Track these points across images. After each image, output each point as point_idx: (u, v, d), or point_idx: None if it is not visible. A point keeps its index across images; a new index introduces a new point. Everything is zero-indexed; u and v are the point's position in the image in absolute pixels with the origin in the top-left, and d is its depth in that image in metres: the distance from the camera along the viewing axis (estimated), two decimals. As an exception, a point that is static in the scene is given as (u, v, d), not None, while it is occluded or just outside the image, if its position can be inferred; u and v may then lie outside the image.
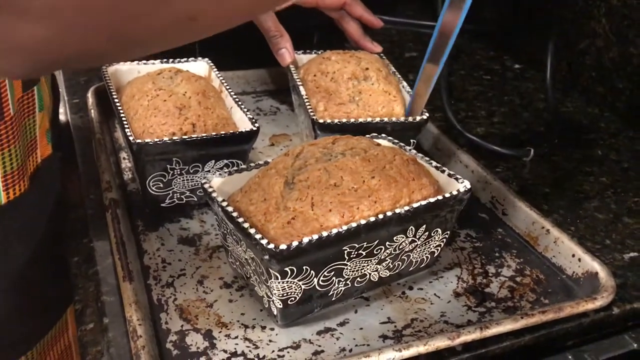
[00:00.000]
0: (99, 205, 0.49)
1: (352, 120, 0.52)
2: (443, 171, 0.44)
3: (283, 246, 0.35)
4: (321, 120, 0.51)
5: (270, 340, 0.39)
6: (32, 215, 0.48)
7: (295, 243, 0.35)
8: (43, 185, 0.49)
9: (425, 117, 0.53)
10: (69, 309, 0.55)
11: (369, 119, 0.52)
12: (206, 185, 0.41)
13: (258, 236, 0.36)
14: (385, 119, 0.52)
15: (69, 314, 0.56)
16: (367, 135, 0.48)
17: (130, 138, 0.46)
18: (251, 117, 0.51)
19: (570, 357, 0.41)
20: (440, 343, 0.37)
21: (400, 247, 0.41)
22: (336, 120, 0.52)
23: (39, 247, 0.49)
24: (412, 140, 0.54)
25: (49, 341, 0.54)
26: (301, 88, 0.56)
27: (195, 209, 0.51)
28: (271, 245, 0.35)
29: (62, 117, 0.66)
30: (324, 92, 0.56)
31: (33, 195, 0.47)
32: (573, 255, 0.45)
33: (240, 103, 0.53)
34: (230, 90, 0.55)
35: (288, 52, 0.60)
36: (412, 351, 0.36)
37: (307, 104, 0.54)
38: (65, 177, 0.55)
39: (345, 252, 0.38)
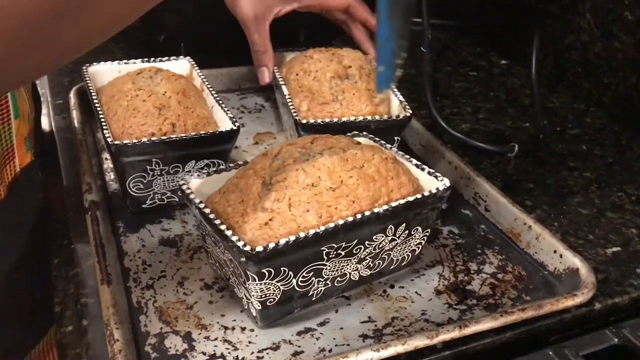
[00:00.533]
0: (80, 207, 0.49)
1: (335, 119, 0.52)
2: (423, 169, 0.44)
3: (259, 248, 0.35)
4: (304, 121, 0.51)
5: (249, 342, 0.39)
6: (12, 225, 0.48)
7: (271, 245, 0.35)
8: (22, 194, 0.48)
9: (408, 114, 0.53)
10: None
11: (352, 118, 0.52)
12: (184, 187, 0.41)
13: (234, 238, 0.36)
14: (369, 118, 0.52)
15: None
16: (348, 134, 0.48)
17: (109, 139, 0.46)
18: (232, 116, 0.50)
19: (550, 352, 0.41)
20: (419, 342, 0.37)
21: (380, 246, 0.41)
22: (319, 120, 0.52)
23: (23, 256, 0.49)
24: (396, 138, 0.54)
25: (37, 356, 0.53)
26: (284, 87, 0.56)
27: (177, 209, 0.51)
28: (247, 248, 0.35)
29: (45, 119, 0.65)
30: (306, 91, 0.56)
31: (11, 204, 0.47)
32: (555, 252, 0.45)
33: (221, 102, 0.53)
34: (211, 89, 0.55)
35: (268, 71, 0.60)
36: (391, 351, 0.36)
37: (290, 104, 0.54)
38: (48, 180, 0.54)
39: (324, 252, 0.38)
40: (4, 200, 0.46)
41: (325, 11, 0.65)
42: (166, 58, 0.59)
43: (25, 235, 0.49)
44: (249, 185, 0.39)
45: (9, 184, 0.46)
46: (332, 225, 0.37)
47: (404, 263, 0.44)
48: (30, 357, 0.53)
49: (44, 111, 0.65)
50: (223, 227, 0.37)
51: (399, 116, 0.53)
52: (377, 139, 0.48)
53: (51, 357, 0.55)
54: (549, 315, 0.42)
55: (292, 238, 0.36)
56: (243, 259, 0.35)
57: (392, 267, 0.44)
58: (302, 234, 0.36)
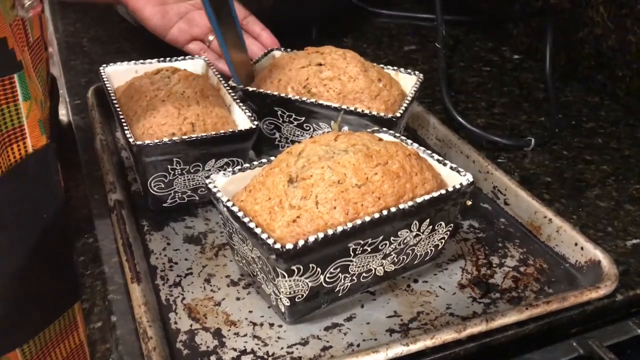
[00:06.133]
0: (103, 205, 0.50)
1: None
2: (445, 164, 0.45)
3: (289, 245, 0.35)
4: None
5: (278, 337, 0.40)
6: (20, 206, 0.47)
7: (301, 242, 0.36)
8: (35, 174, 0.48)
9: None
10: (78, 306, 0.55)
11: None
12: (211, 185, 0.41)
13: (264, 236, 0.36)
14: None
15: (78, 313, 0.56)
16: (369, 130, 0.48)
17: (130, 140, 0.46)
18: (250, 114, 0.51)
19: (574, 344, 0.41)
20: (447, 336, 0.38)
21: (405, 241, 0.41)
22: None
23: (36, 238, 0.49)
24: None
25: (52, 337, 0.54)
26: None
27: (199, 207, 0.51)
28: (277, 245, 0.35)
29: (64, 119, 0.66)
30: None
31: (18, 183, 0.47)
32: (576, 244, 0.46)
33: (238, 101, 0.53)
34: (227, 87, 0.55)
35: None
36: (420, 345, 0.37)
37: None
38: (69, 178, 0.55)
39: (351, 248, 0.39)
40: (5, 178, 0.46)
41: None
42: (182, 57, 0.60)
43: (38, 220, 0.49)
44: (275, 183, 0.40)
45: (15, 163, 0.46)
46: (359, 221, 0.37)
47: (427, 258, 0.45)
48: (45, 337, 0.53)
49: (62, 111, 0.66)
50: (252, 224, 0.37)
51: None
52: (397, 135, 0.48)
53: (70, 342, 0.56)
54: (571, 307, 0.42)
55: (321, 235, 0.36)
56: (273, 256, 0.36)
57: (415, 262, 0.44)
58: (330, 231, 0.36)
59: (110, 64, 0.57)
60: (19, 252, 0.48)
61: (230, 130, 0.50)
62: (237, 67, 0.54)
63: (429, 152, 0.46)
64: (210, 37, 0.67)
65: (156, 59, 0.58)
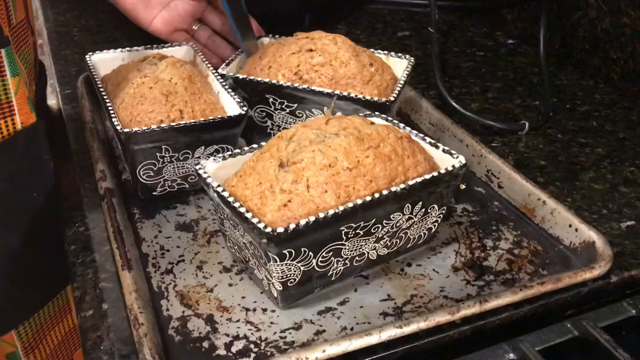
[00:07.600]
0: (94, 193, 0.49)
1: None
2: (437, 147, 0.44)
3: (280, 229, 0.35)
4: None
5: (271, 322, 0.39)
6: (10, 182, 0.47)
7: (292, 225, 0.35)
8: (25, 151, 0.47)
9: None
10: (70, 288, 0.55)
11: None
12: (201, 171, 0.41)
13: (255, 220, 0.36)
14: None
15: (71, 295, 0.56)
16: (360, 114, 0.48)
17: (118, 127, 0.46)
18: (239, 100, 0.50)
19: (568, 325, 0.41)
20: (440, 318, 0.37)
21: (398, 224, 0.41)
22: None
23: (27, 216, 0.49)
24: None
25: (47, 319, 0.54)
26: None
27: (191, 194, 0.51)
28: (268, 229, 0.35)
29: (55, 108, 0.65)
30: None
31: (9, 156, 0.46)
32: (570, 226, 0.45)
33: (227, 87, 0.52)
34: (216, 74, 0.54)
35: None
36: (413, 327, 0.37)
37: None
38: (60, 167, 0.54)
39: (343, 232, 0.38)
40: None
41: None
42: (169, 45, 0.59)
43: (29, 198, 0.49)
44: (266, 168, 0.40)
45: (3, 139, 0.46)
46: (350, 205, 0.37)
47: (420, 241, 0.44)
48: (40, 319, 0.53)
49: (53, 101, 0.65)
50: (242, 209, 0.37)
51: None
52: (389, 118, 0.48)
53: (65, 325, 0.55)
54: (566, 288, 0.42)
55: (312, 218, 0.36)
56: (264, 241, 0.35)
57: (409, 245, 0.44)
58: (321, 215, 0.36)
59: (97, 52, 0.57)
60: (10, 229, 0.48)
61: (219, 116, 0.49)
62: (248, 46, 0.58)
63: (422, 135, 0.46)
64: (194, 27, 0.66)
65: (142, 47, 0.58)
